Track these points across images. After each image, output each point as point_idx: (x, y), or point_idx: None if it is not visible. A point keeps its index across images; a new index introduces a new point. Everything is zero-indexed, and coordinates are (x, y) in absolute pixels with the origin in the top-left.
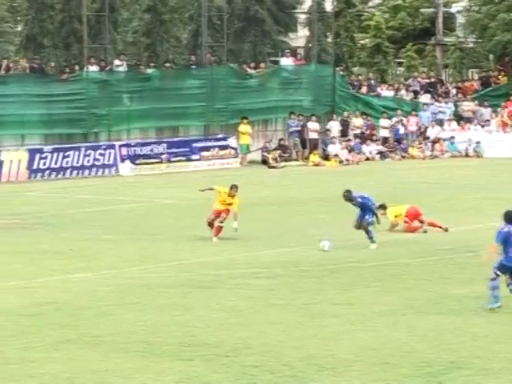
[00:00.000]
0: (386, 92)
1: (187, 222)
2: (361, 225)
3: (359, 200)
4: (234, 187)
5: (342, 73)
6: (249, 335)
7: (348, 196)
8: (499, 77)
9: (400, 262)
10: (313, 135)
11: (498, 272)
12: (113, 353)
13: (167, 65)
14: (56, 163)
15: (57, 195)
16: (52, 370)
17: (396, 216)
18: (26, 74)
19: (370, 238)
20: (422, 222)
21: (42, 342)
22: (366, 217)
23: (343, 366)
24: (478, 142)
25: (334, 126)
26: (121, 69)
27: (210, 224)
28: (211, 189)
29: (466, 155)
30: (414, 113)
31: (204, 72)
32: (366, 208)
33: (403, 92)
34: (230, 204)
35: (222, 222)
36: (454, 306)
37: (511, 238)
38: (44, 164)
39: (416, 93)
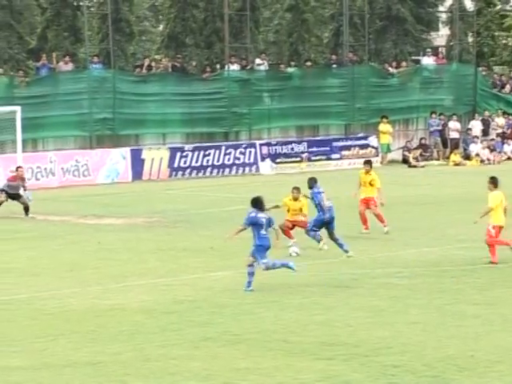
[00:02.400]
0: None
1: None
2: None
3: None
4: (294, 189)
5: (483, 72)
6: (389, 335)
7: (310, 184)
8: None
9: None
10: (454, 134)
11: (253, 257)
12: (253, 351)
13: (308, 64)
14: (197, 162)
15: (197, 193)
16: (192, 367)
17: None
18: (168, 72)
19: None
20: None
21: (183, 339)
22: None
23: (484, 367)
24: None
25: (476, 126)
26: (262, 68)
27: (285, 232)
28: (277, 206)
29: None
30: None
31: (345, 71)
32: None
33: None
34: (300, 210)
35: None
36: None
37: (259, 222)
38: (185, 162)
39: None
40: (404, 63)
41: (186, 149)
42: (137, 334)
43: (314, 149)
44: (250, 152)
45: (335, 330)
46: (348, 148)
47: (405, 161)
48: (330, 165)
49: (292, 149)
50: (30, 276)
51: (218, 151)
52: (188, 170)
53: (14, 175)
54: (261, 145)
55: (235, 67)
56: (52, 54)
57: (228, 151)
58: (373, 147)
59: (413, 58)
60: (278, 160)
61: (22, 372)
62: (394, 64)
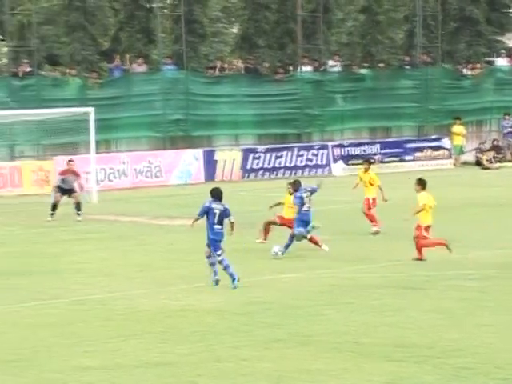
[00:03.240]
0: None
1: (400, 222)
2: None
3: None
4: (289, 184)
5: None
6: (460, 337)
7: (294, 187)
8: None
9: None
10: None
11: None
12: (323, 353)
13: (381, 65)
14: (269, 163)
15: (270, 195)
16: (263, 368)
17: None
18: (240, 74)
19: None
20: None
21: (254, 340)
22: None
23: None
24: None
25: None
26: (335, 69)
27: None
28: (280, 203)
29: None
30: None
31: (418, 72)
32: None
33: None
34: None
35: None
36: None
37: (212, 211)
38: (257, 164)
39: None
40: (478, 65)
41: (258, 150)
42: (208, 335)
43: (387, 150)
44: (323, 153)
45: (406, 332)
46: (421, 150)
47: (478, 163)
48: (402, 166)
49: (364, 150)
50: (102, 276)
51: (290, 153)
52: (260, 172)
53: (66, 169)
54: (333, 146)
55: (308, 68)
56: (125, 56)
57: (300, 153)
58: (446, 149)
59: (486, 59)
60: (350, 161)
61: (95, 372)
62: (468, 65)
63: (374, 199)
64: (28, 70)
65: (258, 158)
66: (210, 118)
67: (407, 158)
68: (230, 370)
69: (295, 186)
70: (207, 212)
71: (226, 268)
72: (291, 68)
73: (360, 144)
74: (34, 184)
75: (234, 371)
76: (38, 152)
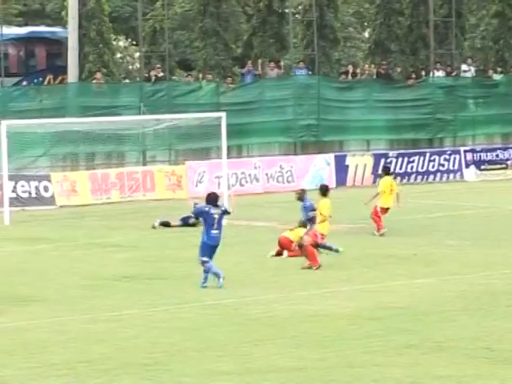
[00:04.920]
0: None
1: None
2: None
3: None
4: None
5: None
6: None
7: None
8: None
9: None
10: None
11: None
12: (456, 359)
13: None
14: (401, 168)
15: (402, 200)
16: (395, 374)
17: None
18: (373, 79)
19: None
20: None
21: (386, 346)
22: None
23: None
24: None
25: None
26: (468, 74)
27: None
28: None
29: None
30: None
31: None
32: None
33: None
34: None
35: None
36: None
37: (210, 216)
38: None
39: None
40: None
41: (390, 155)
42: (340, 340)
43: None
44: (455, 158)
45: None
46: None
47: None
48: None
49: (497, 155)
50: (234, 281)
51: (422, 158)
52: (392, 177)
53: None
54: (465, 151)
55: (440, 74)
56: (257, 61)
57: (432, 158)
58: None
59: None
60: (482, 167)
61: (227, 377)
62: None
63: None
64: (160, 74)
65: (390, 162)
66: (341, 123)
67: None
68: (362, 376)
69: (302, 194)
70: (204, 216)
71: (208, 270)
72: (423, 73)
73: (493, 149)
74: (167, 189)
75: (366, 377)
76: (170, 157)
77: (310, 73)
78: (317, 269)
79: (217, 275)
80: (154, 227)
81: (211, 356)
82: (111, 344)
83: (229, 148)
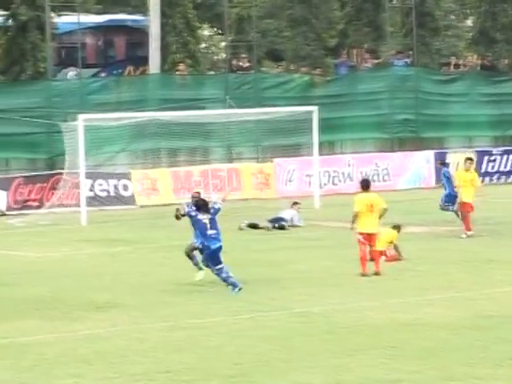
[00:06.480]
0: None
1: None
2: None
3: None
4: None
5: None
6: None
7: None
8: None
9: None
10: None
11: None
12: None
13: None
14: (505, 166)
15: (506, 200)
16: None
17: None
18: (476, 71)
19: None
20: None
21: (488, 357)
22: None
23: None
24: None
25: None
26: None
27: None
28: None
29: None
30: None
31: None
32: None
33: None
34: None
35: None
36: None
37: (199, 222)
38: (492, 167)
39: None
40: None
41: (494, 152)
42: (438, 351)
43: None
44: None
45: None
46: None
47: None
48: None
49: None
50: (325, 287)
51: None
52: (496, 176)
53: None
54: None
55: None
56: (352, 51)
57: None
58: None
59: None
60: None
61: None
62: None
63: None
64: (247, 65)
65: (494, 160)
66: (441, 118)
67: None
68: None
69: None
70: (193, 220)
71: (225, 279)
72: None
73: None
74: (254, 188)
75: None
76: (257, 154)
77: (408, 64)
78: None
79: (232, 284)
80: (240, 229)
81: (299, 367)
82: (193, 353)
83: (320, 144)
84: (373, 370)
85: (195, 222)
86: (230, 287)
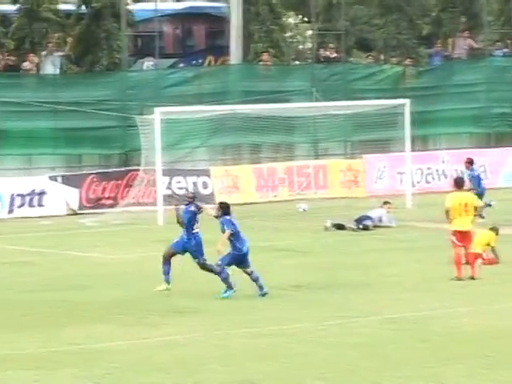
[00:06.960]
0: None
1: None
2: None
3: None
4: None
5: None
6: None
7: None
8: None
9: None
10: None
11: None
12: None
13: None
14: None
15: None
16: None
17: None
18: None
19: None
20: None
21: None
22: None
23: None
24: None
25: None
26: None
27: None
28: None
29: None
30: None
31: None
32: None
33: None
34: None
35: None
36: None
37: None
38: None
39: None
40: None
41: None
42: None
43: None
44: None
45: None
46: None
47: None
48: None
49: None
50: (418, 291)
51: None
52: None
53: None
54: None
55: None
56: (447, 40)
57: None
58: None
59: None
60: None
61: None
62: None
63: None
64: (334, 55)
65: None
66: None
67: None
68: None
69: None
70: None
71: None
72: None
73: None
74: (342, 186)
75: None
76: (345, 149)
77: (507, 54)
78: None
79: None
80: (326, 229)
81: (390, 377)
82: (275, 362)
83: (413, 139)
84: (469, 380)
85: (234, 227)
86: (225, 289)
